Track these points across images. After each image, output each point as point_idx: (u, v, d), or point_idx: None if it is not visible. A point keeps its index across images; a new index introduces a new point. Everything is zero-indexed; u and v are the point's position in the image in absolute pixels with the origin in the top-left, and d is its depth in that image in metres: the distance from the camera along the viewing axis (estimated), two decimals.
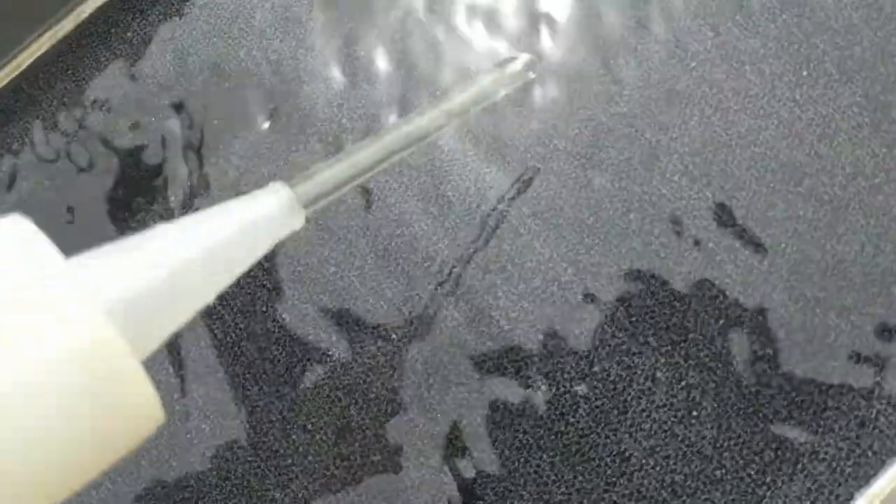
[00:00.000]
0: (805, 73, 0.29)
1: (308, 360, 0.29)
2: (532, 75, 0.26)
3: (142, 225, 0.31)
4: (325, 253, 0.30)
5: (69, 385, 0.15)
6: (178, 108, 0.33)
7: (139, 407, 0.16)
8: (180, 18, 0.34)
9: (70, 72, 0.34)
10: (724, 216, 0.28)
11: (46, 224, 0.32)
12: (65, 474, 0.15)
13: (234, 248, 0.19)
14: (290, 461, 0.28)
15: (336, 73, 0.32)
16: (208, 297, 0.18)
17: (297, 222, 0.20)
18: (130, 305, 0.16)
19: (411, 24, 0.32)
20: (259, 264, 0.30)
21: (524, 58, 0.26)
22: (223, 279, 0.19)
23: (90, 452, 0.16)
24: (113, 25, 0.34)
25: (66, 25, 0.34)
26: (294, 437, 0.28)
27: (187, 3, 0.34)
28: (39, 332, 0.15)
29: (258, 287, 0.30)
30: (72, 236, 0.31)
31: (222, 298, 0.30)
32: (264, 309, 0.30)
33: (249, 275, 0.30)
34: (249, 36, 0.33)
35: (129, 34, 0.34)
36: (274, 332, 0.29)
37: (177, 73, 0.33)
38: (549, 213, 0.29)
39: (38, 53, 0.34)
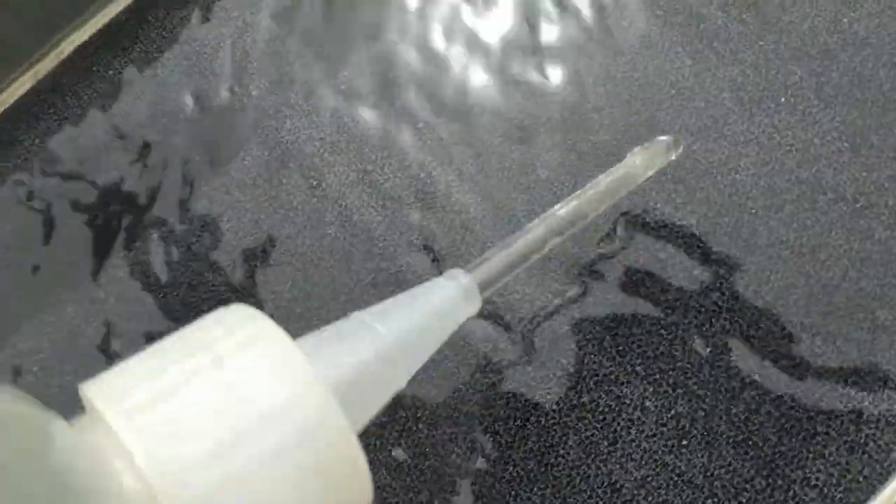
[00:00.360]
0: (783, 99, 0.29)
1: None
2: (674, 156, 0.26)
3: (129, 261, 0.31)
4: (308, 288, 0.30)
5: (299, 463, 0.16)
6: (160, 144, 0.33)
7: (355, 486, 0.17)
8: (162, 55, 0.34)
9: (52, 110, 0.34)
10: (707, 244, 0.28)
11: (23, 265, 0.31)
12: None
13: (423, 335, 0.20)
14: None
15: (319, 107, 0.32)
16: (402, 381, 0.19)
17: (475, 307, 0.21)
18: (348, 388, 0.17)
19: (394, 57, 0.32)
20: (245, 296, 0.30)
21: (668, 139, 0.26)
22: (414, 364, 0.20)
23: None
24: (94, 63, 0.34)
25: (47, 65, 0.34)
26: None
27: (168, 40, 0.34)
28: (275, 412, 0.16)
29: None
30: (48, 278, 0.31)
31: None
32: None
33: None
34: (229, 71, 0.33)
35: (110, 72, 0.34)
36: None
37: (158, 110, 0.33)
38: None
39: (21, 92, 0.34)
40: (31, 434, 0.15)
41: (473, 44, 0.32)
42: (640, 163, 0.25)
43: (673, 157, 0.26)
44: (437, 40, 0.32)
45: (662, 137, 0.26)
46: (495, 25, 0.32)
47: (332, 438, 0.16)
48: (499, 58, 0.32)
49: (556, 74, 0.31)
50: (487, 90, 0.31)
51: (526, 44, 0.32)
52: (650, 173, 0.26)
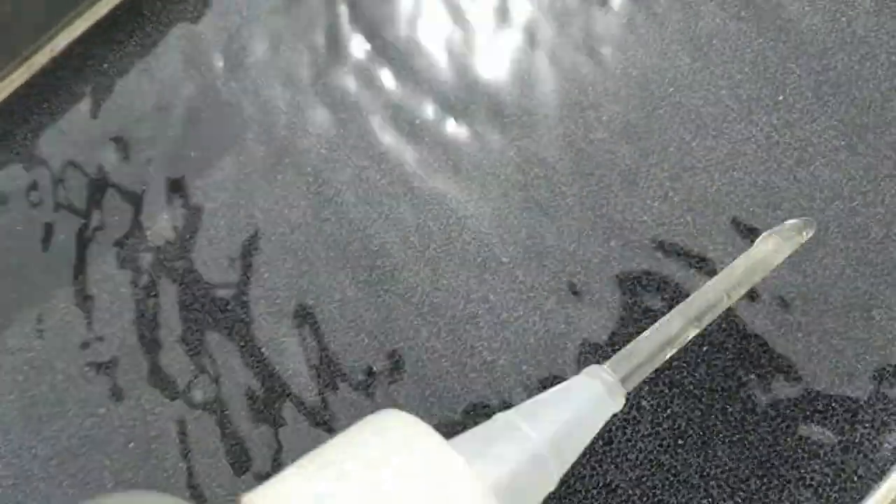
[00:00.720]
0: (781, 97, 0.29)
1: (286, 396, 0.28)
2: (805, 238, 0.25)
3: (120, 257, 0.31)
4: (304, 284, 0.29)
5: None
6: (156, 140, 0.32)
7: None
8: (157, 49, 0.33)
9: (45, 104, 0.33)
10: (704, 242, 0.28)
11: (22, 256, 0.31)
12: None
13: (572, 436, 0.20)
14: None
15: (318, 105, 0.32)
16: (554, 482, 0.19)
17: (619, 404, 0.21)
18: (503, 492, 0.18)
19: (390, 54, 0.32)
20: (236, 299, 0.30)
21: (799, 222, 0.25)
22: (565, 465, 0.20)
23: None
24: (88, 58, 0.33)
25: (41, 59, 0.33)
26: None
27: (164, 35, 0.33)
28: None
29: (236, 321, 0.29)
30: (46, 266, 0.31)
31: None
32: (241, 342, 0.29)
33: (226, 307, 0.30)
34: (225, 67, 0.33)
35: (104, 66, 0.33)
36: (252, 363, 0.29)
37: (154, 106, 0.33)
38: (530, 242, 0.29)
39: (14, 86, 0.34)
40: None
41: (472, 40, 0.32)
42: (773, 247, 0.25)
43: (804, 239, 0.25)
44: (434, 41, 0.32)
45: (793, 221, 0.26)
46: (487, 25, 0.32)
47: None
48: (494, 57, 0.32)
49: (553, 73, 0.31)
50: (484, 88, 0.31)
51: (525, 43, 0.32)
52: (782, 258, 0.25)
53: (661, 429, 0.26)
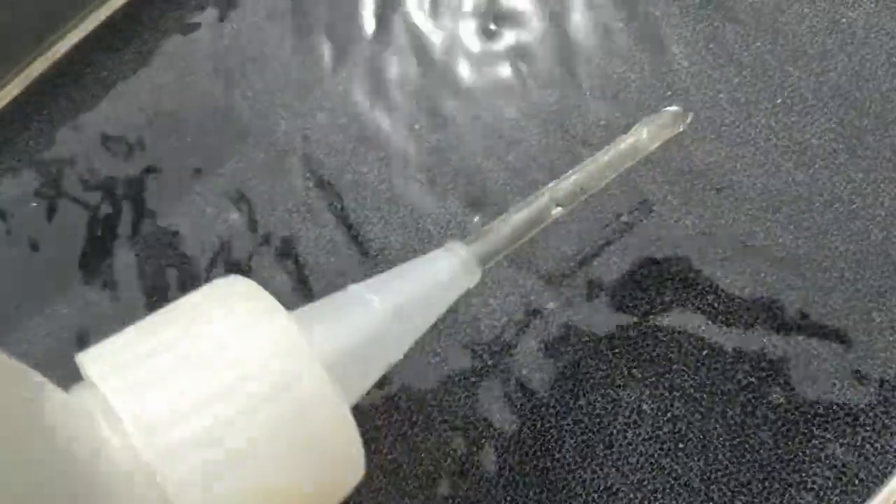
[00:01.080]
0: (780, 100, 0.29)
1: None
2: (681, 128, 0.26)
3: (123, 263, 0.31)
4: (305, 291, 0.30)
5: (292, 437, 0.15)
6: (154, 145, 0.32)
7: (348, 461, 0.17)
8: (156, 57, 0.33)
9: (45, 112, 0.33)
10: (704, 245, 0.28)
11: (25, 263, 0.31)
12: None
13: (419, 307, 0.20)
14: None
15: (318, 111, 0.32)
16: (398, 354, 0.19)
17: (473, 280, 0.21)
18: (343, 362, 0.17)
19: (392, 57, 0.32)
20: None
21: (676, 109, 0.26)
22: (409, 337, 0.20)
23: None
24: (87, 65, 0.34)
25: (40, 66, 0.33)
26: None
27: (162, 42, 0.33)
28: (269, 388, 0.15)
29: None
30: (49, 271, 0.31)
31: None
32: None
33: None
34: (223, 73, 0.33)
35: (103, 73, 0.33)
36: None
37: (152, 111, 0.33)
38: (529, 245, 0.29)
39: (13, 94, 0.34)
40: (28, 387, 0.15)
41: (468, 46, 0.32)
42: (646, 135, 0.25)
43: (680, 129, 0.26)
44: (435, 41, 0.32)
45: (670, 108, 0.26)
46: (491, 31, 0.32)
47: (327, 414, 0.16)
48: (492, 59, 0.32)
49: (552, 75, 0.31)
50: (482, 91, 0.31)
51: (521, 45, 0.32)
52: (655, 145, 0.25)
53: (661, 432, 0.26)
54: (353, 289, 0.20)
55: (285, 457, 0.15)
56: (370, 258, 0.30)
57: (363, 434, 0.26)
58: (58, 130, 0.33)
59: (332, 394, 0.16)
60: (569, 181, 0.23)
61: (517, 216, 0.22)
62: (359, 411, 0.28)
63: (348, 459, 0.17)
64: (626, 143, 0.25)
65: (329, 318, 0.19)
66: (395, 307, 0.19)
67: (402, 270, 0.20)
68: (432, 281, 0.20)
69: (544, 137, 0.30)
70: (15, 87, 0.33)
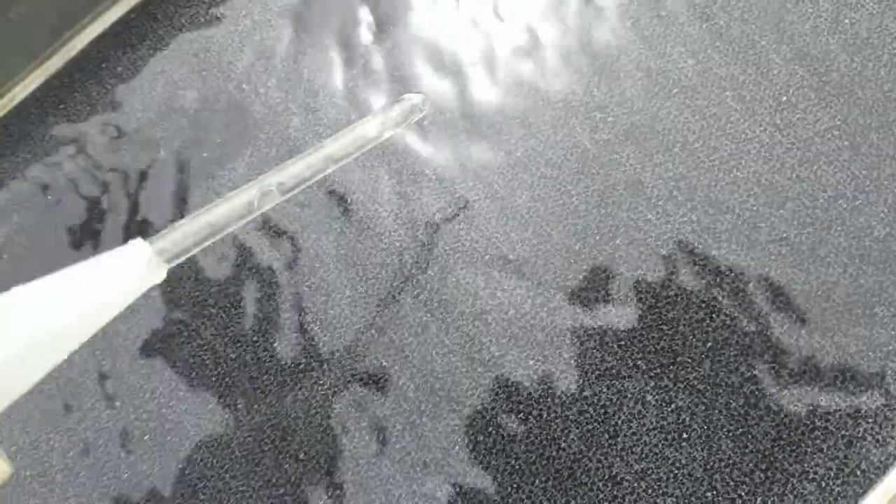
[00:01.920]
0: (784, 98, 0.30)
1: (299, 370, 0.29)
2: (422, 113, 0.26)
3: None
4: (315, 282, 0.30)
5: None
6: (167, 139, 0.33)
7: None
8: (170, 52, 0.34)
9: (62, 106, 0.34)
10: (709, 240, 0.28)
11: (42, 250, 0.32)
12: None
13: (94, 302, 0.20)
14: (271, 464, 0.28)
15: (329, 107, 0.32)
16: (71, 346, 0.19)
17: (158, 276, 0.21)
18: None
19: (402, 56, 0.33)
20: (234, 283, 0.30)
21: (413, 98, 0.26)
22: (84, 332, 0.20)
23: None
24: (103, 61, 0.34)
25: (57, 61, 0.34)
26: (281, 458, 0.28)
27: (176, 39, 0.34)
28: None
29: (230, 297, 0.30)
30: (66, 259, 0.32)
31: None
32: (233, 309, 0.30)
33: (238, 304, 0.30)
34: (237, 69, 0.33)
35: (118, 69, 0.34)
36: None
37: (167, 107, 0.33)
38: (536, 240, 0.29)
39: (31, 88, 0.34)
40: None
41: (480, 45, 0.32)
42: (376, 126, 0.25)
43: (420, 116, 0.26)
44: (444, 41, 0.33)
45: (410, 95, 0.26)
46: (499, 30, 0.33)
47: None
48: (502, 60, 0.32)
49: (558, 73, 0.31)
50: (489, 92, 0.32)
51: (528, 43, 0.32)
52: (388, 134, 0.25)
53: (665, 423, 0.27)
54: (16, 292, 0.19)
55: None
56: (380, 250, 0.30)
57: (371, 422, 0.26)
58: (75, 123, 0.34)
59: None
60: (290, 174, 0.23)
61: (213, 212, 0.22)
62: (365, 398, 0.28)
63: None
64: (352, 134, 0.24)
65: None
66: (61, 308, 0.19)
67: (86, 266, 0.20)
68: (111, 277, 0.20)
69: None
70: (33, 82, 0.34)
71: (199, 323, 0.30)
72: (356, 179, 0.31)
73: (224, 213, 0.22)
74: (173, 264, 0.21)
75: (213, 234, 0.22)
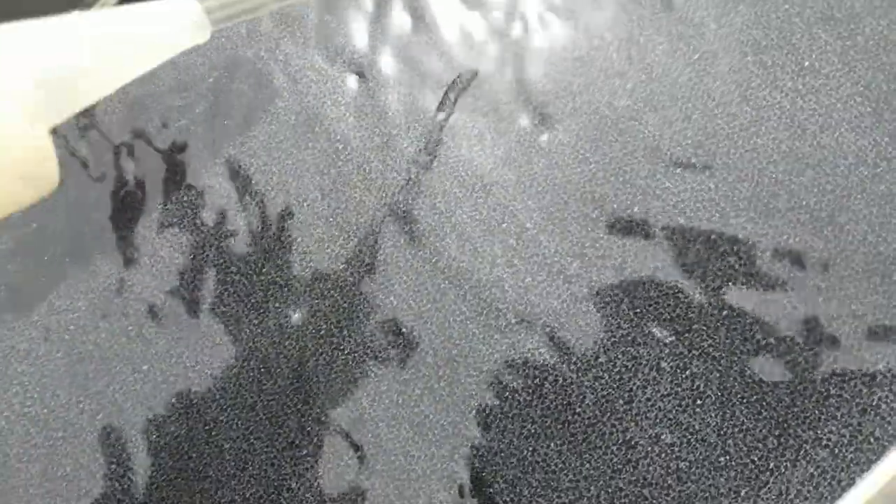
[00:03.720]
0: (807, 63, 0.29)
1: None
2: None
3: (159, 224, 0.32)
4: (336, 250, 0.30)
5: None
6: (187, 108, 0.33)
7: (42, 174, 0.19)
8: None
9: None
10: (727, 207, 0.28)
11: (68, 227, 0.33)
12: None
13: (141, 44, 0.20)
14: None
15: (347, 74, 0.32)
16: (115, 83, 0.20)
17: (203, 36, 0.22)
18: (46, 86, 0.18)
19: (418, 27, 0.33)
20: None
21: None
22: (127, 72, 0.20)
23: None
24: None
25: None
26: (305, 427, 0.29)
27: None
28: None
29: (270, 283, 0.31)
30: (91, 234, 0.32)
31: None
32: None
33: (261, 270, 0.31)
34: (258, 37, 0.33)
35: None
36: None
37: (187, 76, 0.34)
38: (553, 208, 0.29)
39: None
40: None
41: (493, 28, 0.32)
42: None
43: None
44: (462, 18, 0.32)
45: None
46: (513, 23, 0.32)
47: (22, 136, 0.18)
48: (517, 48, 0.32)
49: (577, 42, 0.31)
50: (504, 75, 0.31)
51: (549, 13, 0.32)
52: None
53: (680, 389, 0.27)
54: (75, 16, 0.20)
55: None
56: (398, 219, 0.30)
57: (393, 388, 0.27)
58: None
59: (30, 120, 0.17)
60: None
61: None
62: (382, 368, 0.29)
63: (42, 173, 0.19)
64: None
65: (37, 41, 0.19)
66: (115, 39, 0.20)
67: (136, 8, 0.21)
68: (160, 24, 0.21)
69: None
70: None
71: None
72: (373, 146, 0.31)
73: None
74: (218, 27, 0.22)
75: (261, 5, 0.22)
